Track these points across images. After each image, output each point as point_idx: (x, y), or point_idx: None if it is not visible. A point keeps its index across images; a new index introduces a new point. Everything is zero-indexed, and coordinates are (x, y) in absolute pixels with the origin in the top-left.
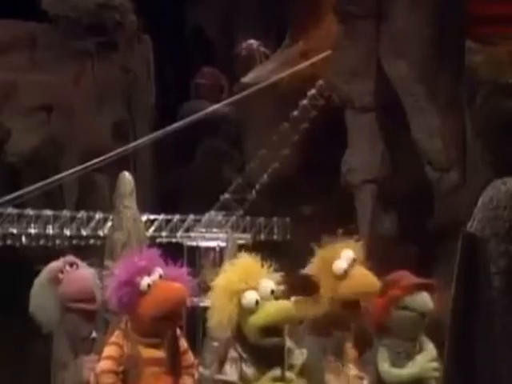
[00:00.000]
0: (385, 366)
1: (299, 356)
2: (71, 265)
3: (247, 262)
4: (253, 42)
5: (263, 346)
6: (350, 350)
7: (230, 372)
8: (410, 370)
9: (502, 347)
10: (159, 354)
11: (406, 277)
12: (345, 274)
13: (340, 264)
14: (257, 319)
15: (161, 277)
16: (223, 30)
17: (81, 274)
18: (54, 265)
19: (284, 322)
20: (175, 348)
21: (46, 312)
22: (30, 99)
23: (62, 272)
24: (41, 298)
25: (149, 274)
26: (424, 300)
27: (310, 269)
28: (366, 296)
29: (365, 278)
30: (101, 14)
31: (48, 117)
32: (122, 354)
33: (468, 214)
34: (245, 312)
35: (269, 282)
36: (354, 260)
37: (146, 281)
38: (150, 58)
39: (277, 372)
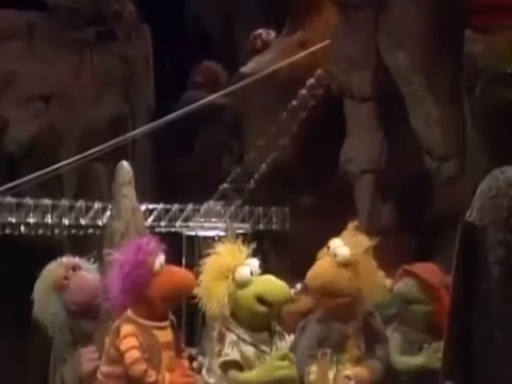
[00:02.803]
0: (393, 352)
1: (288, 341)
2: (73, 268)
3: (228, 246)
4: (261, 31)
5: (258, 315)
6: (353, 349)
7: (232, 353)
8: (416, 358)
9: (500, 337)
10: (171, 337)
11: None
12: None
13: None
14: (255, 287)
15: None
16: (223, 20)
17: (85, 278)
18: (57, 271)
19: (280, 299)
20: (175, 331)
21: (52, 317)
22: (29, 88)
23: (66, 278)
24: (45, 304)
25: (158, 255)
26: (403, 286)
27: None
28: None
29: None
30: (99, 3)
31: (46, 106)
32: (142, 342)
33: (467, 203)
34: (241, 286)
35: (254, 259)
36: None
37: (159, 261)
38: (149, 48)
39: (283, 351)
